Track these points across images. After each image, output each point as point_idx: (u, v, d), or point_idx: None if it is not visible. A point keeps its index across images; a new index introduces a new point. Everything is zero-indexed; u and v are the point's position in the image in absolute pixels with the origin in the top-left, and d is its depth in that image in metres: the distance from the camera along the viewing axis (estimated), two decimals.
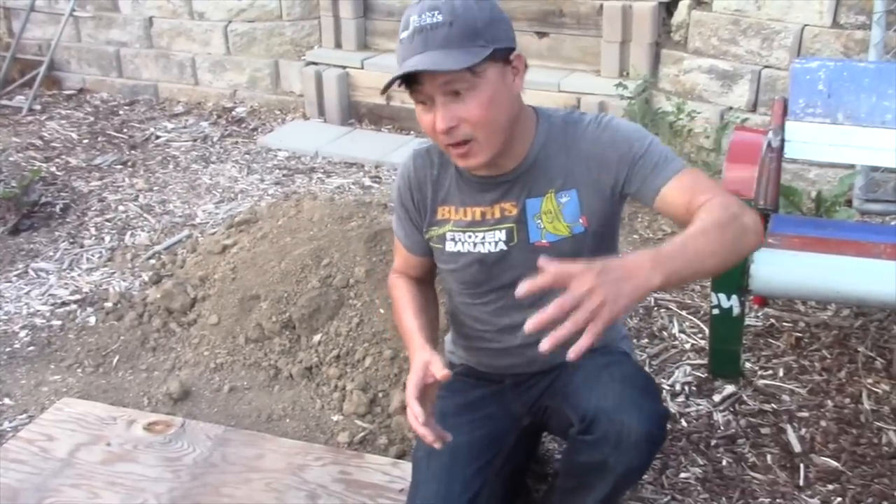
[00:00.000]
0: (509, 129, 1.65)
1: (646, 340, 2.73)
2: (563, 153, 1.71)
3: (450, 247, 1.81)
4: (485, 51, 1.56)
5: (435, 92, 1.57)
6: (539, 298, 1.72)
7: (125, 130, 4.88)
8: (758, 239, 1.53)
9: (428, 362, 1.63)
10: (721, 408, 2.42)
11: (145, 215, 3.80)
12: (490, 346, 1.87)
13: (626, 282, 1.29)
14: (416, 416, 1.59)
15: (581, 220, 1.71)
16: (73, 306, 3.04)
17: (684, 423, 2.36)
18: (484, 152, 1.63)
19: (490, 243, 1.76)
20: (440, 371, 1.59)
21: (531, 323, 1.28)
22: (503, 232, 1.75)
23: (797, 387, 2.49)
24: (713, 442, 2.29)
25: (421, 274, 1.94)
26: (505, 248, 1.76)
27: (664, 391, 2.48)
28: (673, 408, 2.42)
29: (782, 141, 2.73)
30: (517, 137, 1.69)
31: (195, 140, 4.72)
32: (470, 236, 1.78)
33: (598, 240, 1.73)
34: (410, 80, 1.58)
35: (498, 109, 1.61)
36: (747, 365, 2.58)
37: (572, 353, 1.26)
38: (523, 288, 1.31)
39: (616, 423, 1.59)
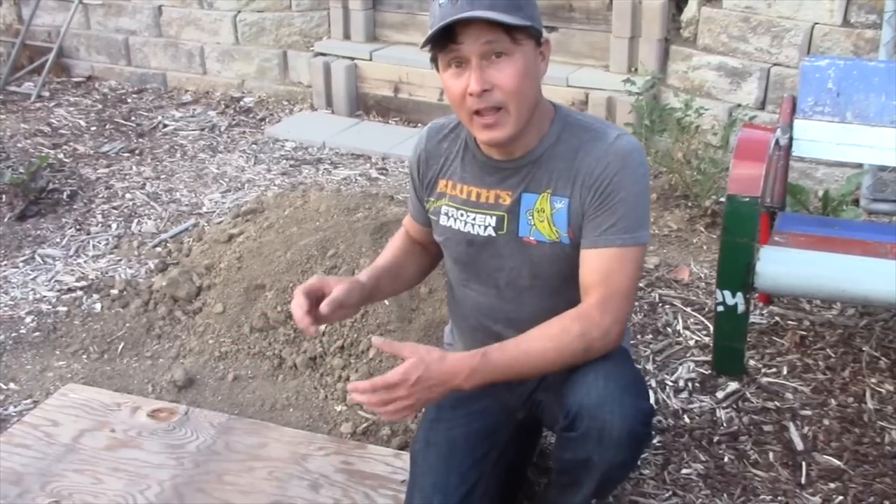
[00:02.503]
0: (534, 109, 1.67)
1: (650, 336, 2.74)
2: (570, 158, 1.70)
3: (443, 221, 1.83)
4: (527, 21, 1.59)
5: (473, 52, 1.59)
6: (518, 295, 1.77)
7: (133, 118, 4.89)
8: (602, 353, 1.66)
9: (331, 285, 1.76)
10: (724, 405, 2.42)
11: (152, 203, 3.81)
12: (481, 331, 1.88)
13: (438, 387, 1.57)
14: (300, 305, 1.73)
15: (568, 232, 1.71)
16: (79, 293, 3.05)
17: (687, 420, 2.36)
18: (511, 124, 1.64)
19: (480, 226, 1.78)
20: (327, 305, 1.74)
21: (359, 391, 1.58)
22: (494, 218, 1.76)
23: (800, 385, 2.49)
24: (715, 438, 2.29)
25: (418, 238, 2.00)
26: (493, 234, 1.77)
27: (667, 387, 2.49)
28: (676, 404, 2.42)
29: (790, 139, 2.73)
30: (533, 125, 1.69)
31: (203, 129, 4.73)
32: (462, 214, 1.80)
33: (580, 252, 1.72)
34: (447, 40, 1.59)
35: (529, 83, 1.63)
36: (751, 362, 2.57)
37: (385, 417, 1.62)
38: (360, 389, 1.58)
39: (598, 420, 1.59)
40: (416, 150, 1.88)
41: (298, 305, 1.74)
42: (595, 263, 1.66)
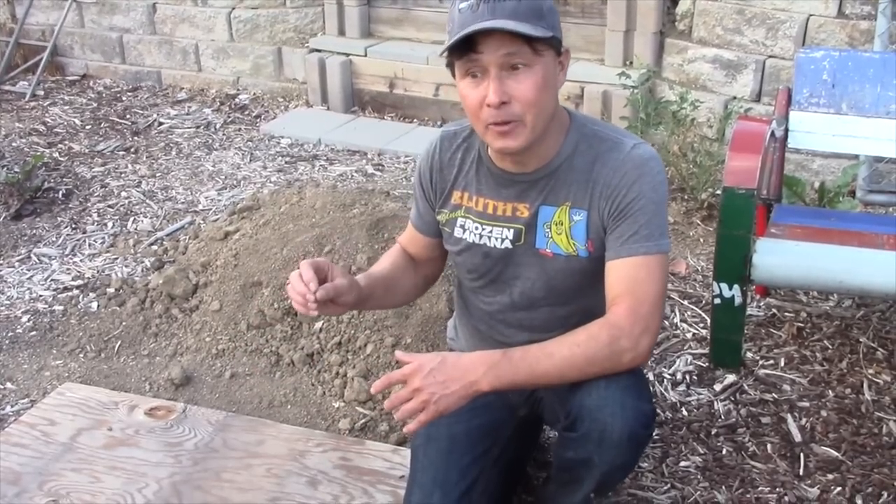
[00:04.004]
0: (550, 120, 1.64)
1: None
2: (587, 170, 1.68)
3: (458, 233, 1.81)
4: (548, 32, 1.56)
5: (492, 63, 1.55)
6: (531, 305, 1.75)
7: (128, 117, 4.88)
8: (632, 365, 1.60)
9: (336, 273, 1.69)
10: (722, 397, 2.42)
11: (148, 201, 3.81)
12: (489, 335, 1.88)
13: (453, 382, 1.53)
14: (309, 278, 1.64)
15: (587, 245, 1.69)
16: (76, 291, 3.05)
17: (685, 412, 2.37)
18: (526, 135, 1.61)
19: (497, 239, 1.76)
20: (323, 290, 1.65)
21: (377, 387, 1.60)
22: (511, 231, 1.74)
23: (798, 377, 2.49)
24: (714, 431, 2.29)
25: (419, 253, 1.95)
26: (510, 246, 1.75)
27: (665, 380, 2.49)
28: (674, 397, 2.42)
29: (786, 131, 2.73)
30: (549, 135, 1.67)
31: (198, 127, 4.72)
32: (478, 227, 1.77)
33: (600, 264, 1.69)
34: (467, 49, 1.55)
35: (548, 94, 1.60)
36: (748, 354, 2.58)
37: (409, 426, 1.57)
38: (378, 385, 1.60)
39: (598, 421, 1.58)
40: (430, 159, 1.84)
41: (306, 279, 1.65)
42: (621, 273, 1.63)
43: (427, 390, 1.53)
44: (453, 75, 1.64)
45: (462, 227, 1.80)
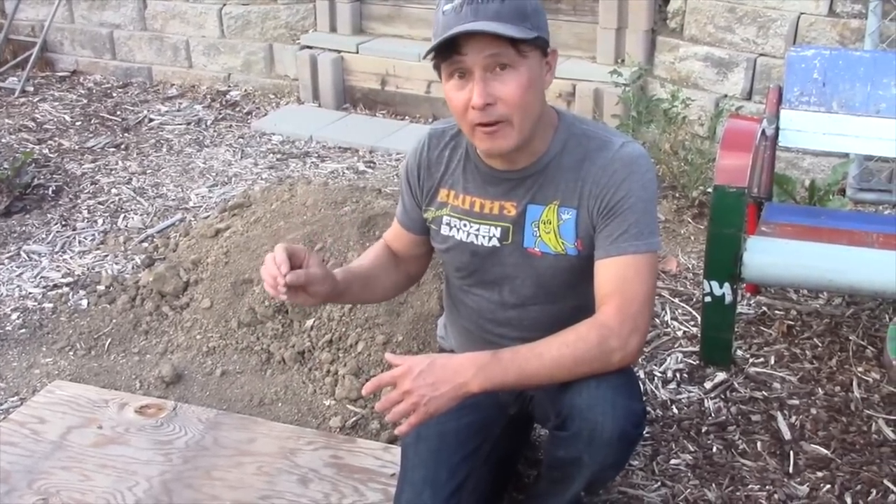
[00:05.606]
0: (537, 120, 1.64)
1: None
2: (576, 168, 1.68)
3: (445, 230, 1.81)
4: (532, 33, 1.56)
5: (476, 64, 1.55)
6: (521, 303, 1.76)
7: (118, 113, 4.87)
8: (622, 365, 1.60)
9: (312, 263, 1.67)
10: (712, 395, 2.42)
11: (138, 198, 3.79)
12: (478, 335, 1.88)
13: (443, 384, 1.53)
14: (281, 261, 1.62)
15: (576, 244, 1.69)
16: (66, 289, 3.04)
17: (675, 410, 2.37)
18: (514, 136, 1.61)
19: (484, 237, 1.76)
20: (294, 275, 1.63)
21: (367, 389, 1.56)
22: (498, 229, 1.74)
23: (788, 375, 2.50)
24: (704, 429, 2.30)
25: (404, 250, 1.94)
26: (498, 244, 1.75)
27: (656, 378, 2.49)
28: (664, 395, 2.43)
29: (777, 129, 2.74)
30: (537, 134, 1.67)
31: (189, 123, 4.71)
32: (465, 224, 1.77)
33: (590, 262, 1.69)
34: (450, 51, 1.55)
35: (533, 95, 1.60)
36: (739, 352, 2.58)
37: (401, 428, 1.56)
38: (368, 387, 1.56)
39: (589, 420, 1.58)
40: (417, 157, 1.84)
41: (279, 261, 1.63)
42: (610, 272, 1.63)
43: (417, 392, 1.53)
44: (440, 77, 1.64)
45: (448, 224, 1.80)
